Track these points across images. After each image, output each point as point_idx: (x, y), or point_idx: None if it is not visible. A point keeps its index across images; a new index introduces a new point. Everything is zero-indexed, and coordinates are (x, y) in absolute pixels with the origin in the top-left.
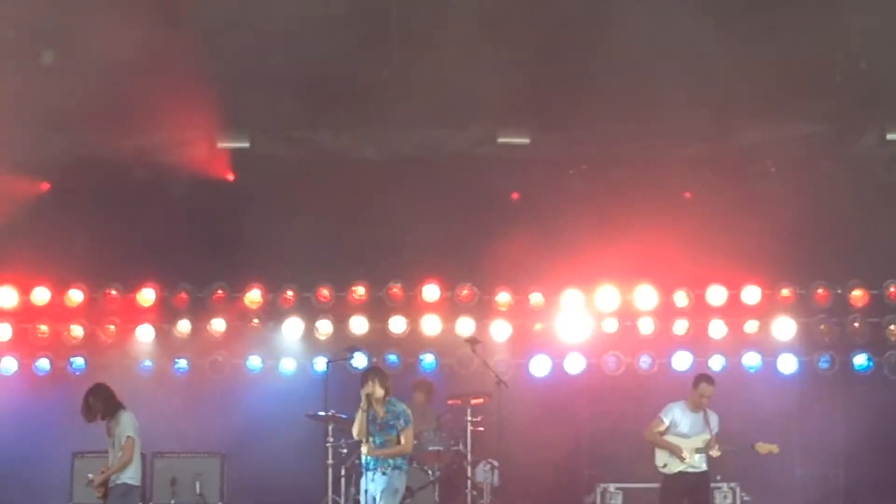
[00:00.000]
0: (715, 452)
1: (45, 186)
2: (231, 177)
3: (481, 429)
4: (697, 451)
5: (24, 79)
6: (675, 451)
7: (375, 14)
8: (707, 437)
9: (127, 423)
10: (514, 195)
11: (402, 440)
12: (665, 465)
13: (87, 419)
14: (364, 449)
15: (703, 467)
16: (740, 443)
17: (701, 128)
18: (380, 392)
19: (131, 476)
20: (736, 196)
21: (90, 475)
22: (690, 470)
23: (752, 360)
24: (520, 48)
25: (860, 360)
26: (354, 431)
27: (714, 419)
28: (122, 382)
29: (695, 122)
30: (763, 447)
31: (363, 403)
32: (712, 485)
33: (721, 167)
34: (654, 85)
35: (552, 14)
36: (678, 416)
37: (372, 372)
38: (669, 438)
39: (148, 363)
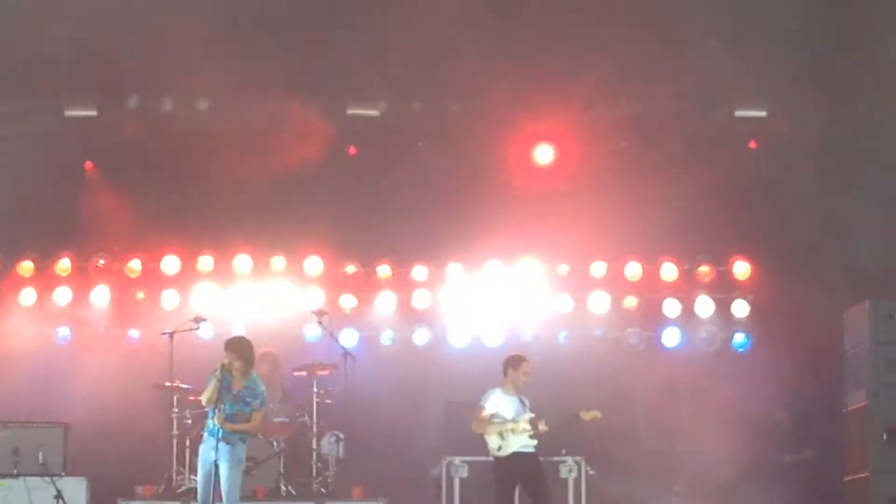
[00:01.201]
0: (543, 427)
1: None
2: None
3: (328, 401)
4: (524, 431)
5: None
6: (511, 429)
7: None
8: (529, 416)
9: None
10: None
11: (253, 419)
12: (500, 448)
13: None
14: (216, 418)
15: (533, 447)
16: (564, 414)
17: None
18: (238, 364)
19: None
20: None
21: None
22: (524, 450)
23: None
24: None
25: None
26: (204, 398)
27: (526, 399)
28: None
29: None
30: (587, 414)
31: (218, 372)
32: (557, 458)
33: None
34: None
35: None
36: (499, 402)
37: (233, 342)
38: (496, 421)
39: None
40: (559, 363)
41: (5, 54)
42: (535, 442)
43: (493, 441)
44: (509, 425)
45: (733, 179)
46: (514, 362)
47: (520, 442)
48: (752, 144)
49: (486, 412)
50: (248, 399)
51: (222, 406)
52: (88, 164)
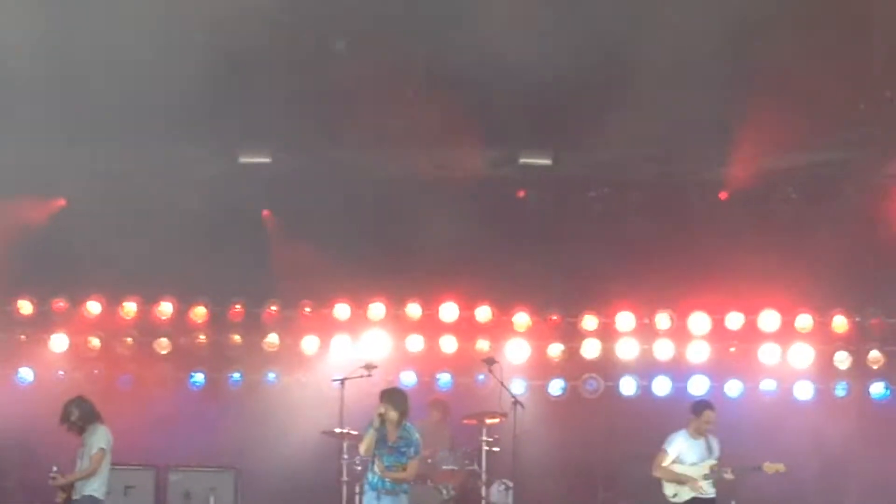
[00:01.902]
0: (729, 476)
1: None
2: None
3: (496, 449)
4: (705, 477)
5: None
6: (688, 482)
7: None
8: (712, 462)
9: (101, 436)
10: (520, 193)
11: (409, 468)
12: (675, 495)
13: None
14: (376, 468)
15: (712, 493)
16: (748, 464)
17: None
18: (393, 415)
19: (96, 488)
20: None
21: (55, 467)
22: (701, 496)
23: (768, 385)
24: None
25: (877, 388)
26: (362, 448)
27: (715, 444)
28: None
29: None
30: (770, 467)
31: (375, 422)
32: None
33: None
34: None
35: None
36: (683, 446)
37: (388, 393)
38: (677, 468)
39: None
40: (756, 414)
41: (184, 101)
42: (713, 490)
43: (668, 488)
44: (689, 477)
45: None
46: (698, 409)
47: (702, 490)
48: None
49: (669, 458)
50: (403, 449)
51: (379, 458)
52: (265, 212)
